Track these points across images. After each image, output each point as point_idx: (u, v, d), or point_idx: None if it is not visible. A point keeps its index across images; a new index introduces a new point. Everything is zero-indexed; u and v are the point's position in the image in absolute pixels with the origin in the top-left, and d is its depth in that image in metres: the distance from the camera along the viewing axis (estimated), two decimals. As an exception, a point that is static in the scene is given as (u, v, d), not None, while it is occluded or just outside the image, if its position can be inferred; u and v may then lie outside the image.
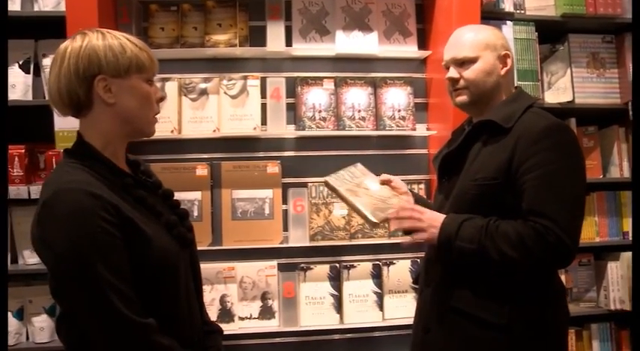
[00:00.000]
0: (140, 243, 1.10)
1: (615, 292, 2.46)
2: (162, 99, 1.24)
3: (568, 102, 2.43)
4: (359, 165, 1.69)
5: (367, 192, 1.60)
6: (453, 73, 1.56)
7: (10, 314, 2.15)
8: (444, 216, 1.47)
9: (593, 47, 2.49)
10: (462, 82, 1.54)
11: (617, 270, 2.47)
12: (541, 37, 2.40)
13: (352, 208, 1.58)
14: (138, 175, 1.25)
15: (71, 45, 1.13)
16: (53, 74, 1.14)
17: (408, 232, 1.53)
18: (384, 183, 1.67)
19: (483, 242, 1.37)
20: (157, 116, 1.23)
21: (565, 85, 2.43)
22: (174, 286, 1.17)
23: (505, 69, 1.55)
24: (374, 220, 1.54)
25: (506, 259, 1.36)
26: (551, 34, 2.45)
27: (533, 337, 1.42)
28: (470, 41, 1.54)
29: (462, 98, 1.56)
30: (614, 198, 2.53)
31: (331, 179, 1.61)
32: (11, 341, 2.15)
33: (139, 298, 1.08)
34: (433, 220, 1.46)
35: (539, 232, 1.34)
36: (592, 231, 2.50)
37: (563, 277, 2.43)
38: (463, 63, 1.54)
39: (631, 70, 2.43)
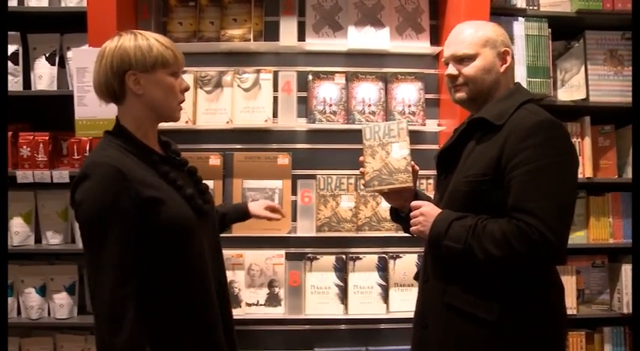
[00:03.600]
0: (159, 210, 1.28)
1: (629, 296, 2.40)
2: (186, 89, 1.41)
3: (582, 100, 2.38)
4: (404, 123, 1.68)
5: (384, 157, 1.65)
6: (451, 69, 1.56)
7: (33, 290, 2.31)
8: (439, 211, 1.49)
9: (612, 44, 2.42)
10: (460, 79, 1.55)
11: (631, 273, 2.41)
12: (555, 33, 2.36)
13: (361, 164, 1.68)
14: (167, 154, 1.45)
15: (109, 45, 1.34)
16: (95, 70, 1.35)
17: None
18: None
19: (469, 242, 1.39)
20: (182, 104, 1.42)
21: (579, 83, 2.38)
22: (191, 246, 1.35)
23: (504, 66, 1.54)
24: (366, 187, 1.67)
25: (491, 258, 1.37)
26: (566, 30, 2.40)
27: (523, 334, 1.41)
28: (469, 38, 1.53)
29: (461, 95, 1.56)
30: (629, 199, 2.45)
31: (367, 129, 1.69)
32: (34, 316, 2.31)
33: (134, 270, 1.25)
34: (428, 214, 1.50)
35: (522, 230, 1.34)
36: (606, 232, 2.45)
37: (574, 278, 2.41)
38: (462, 60, 1.54)
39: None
